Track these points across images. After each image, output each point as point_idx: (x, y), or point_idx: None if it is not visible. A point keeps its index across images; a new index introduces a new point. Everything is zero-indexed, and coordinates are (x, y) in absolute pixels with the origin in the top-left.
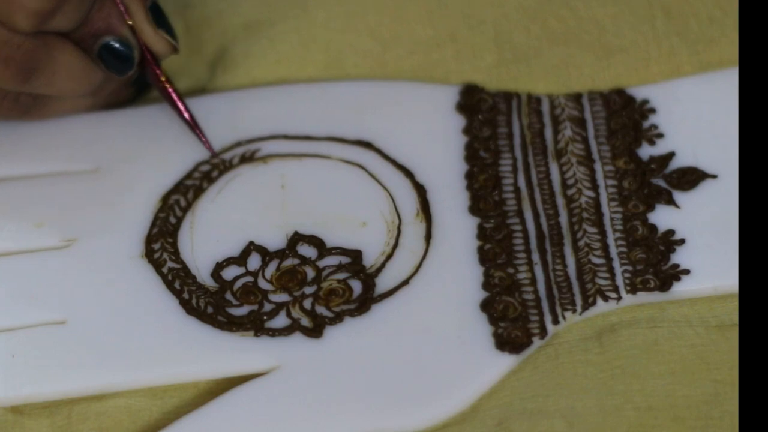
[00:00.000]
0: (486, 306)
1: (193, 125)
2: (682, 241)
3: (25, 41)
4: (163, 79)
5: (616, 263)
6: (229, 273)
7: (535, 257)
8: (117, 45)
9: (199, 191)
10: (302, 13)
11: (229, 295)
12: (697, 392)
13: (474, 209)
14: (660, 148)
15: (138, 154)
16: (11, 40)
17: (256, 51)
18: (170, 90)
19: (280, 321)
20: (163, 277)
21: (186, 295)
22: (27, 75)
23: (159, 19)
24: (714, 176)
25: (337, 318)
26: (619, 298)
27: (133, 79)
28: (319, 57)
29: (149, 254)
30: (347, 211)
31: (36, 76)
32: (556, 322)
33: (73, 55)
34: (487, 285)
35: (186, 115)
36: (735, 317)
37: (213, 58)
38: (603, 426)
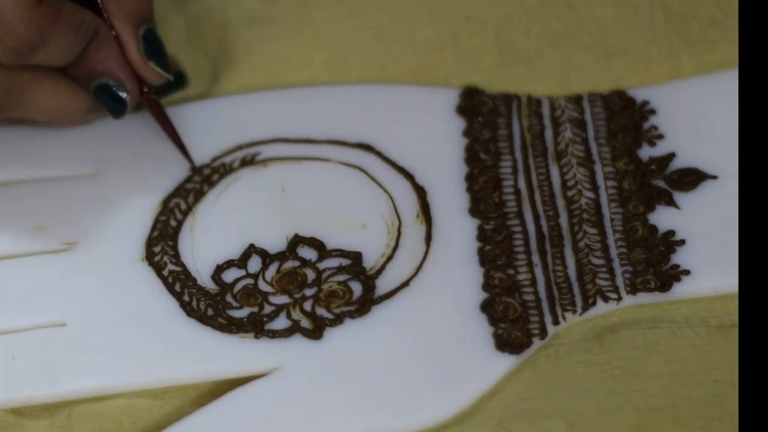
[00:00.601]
0: (486, 307)
1: (176, 139)
2: (682, 242)
3: None
4: (151, 96)
5: (616, 264)
6: (230, 275)
7: (536, 258)
8: (112, 88)
9: (199, 194)
10: (304, 13)
11: (229, 298)
12: (697, 393)
13: (474, 211)
14: (660, 149)
15: (139, 157)
16: None
17: (257, 49)
18: (157, 105)
19: (281, 323)
20: (164, 279)
21: (186, 298)
22: None
23: (152, 47)
24: (714, 177)
25: (338, 320)
26: (620, 298)
27: None
28: (320, 57)
29: (150, 257)
30: (347, 214)
31: (5, 112)
32: (556, 322)
33: (51, 89)
34: (487, 286)
35: (170, 129)
36: (735, 317)
37: (214, 54)
38: (603, 426)
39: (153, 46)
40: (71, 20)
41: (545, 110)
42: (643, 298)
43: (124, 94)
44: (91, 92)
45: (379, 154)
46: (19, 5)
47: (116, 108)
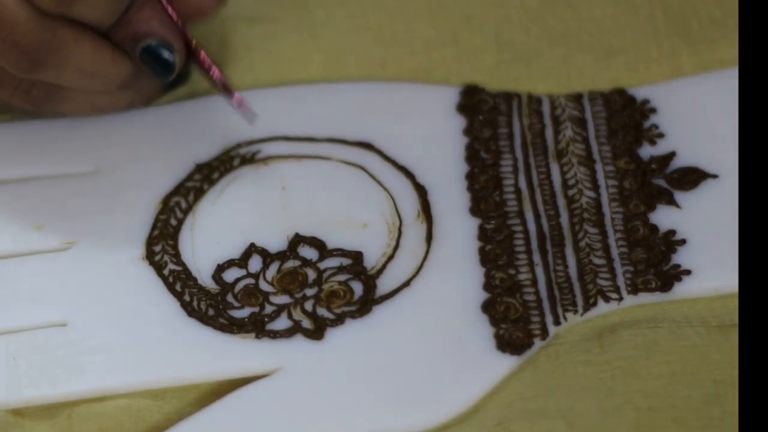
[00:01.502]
0: (487, 307)
1: (229, 93)
2: (683, 242)
3: (36, 29)
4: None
5: (617, 264)
6: (230, 275)
7: (536, 258)
8: (158, 48)
9: (199, 193)
10: (303, 12)
11: (230, 297)
12: (697, 392)
13: (475, 210)
14: (661, 148)
15: (139, 155)
16: (22, 26)
17: (257, 49)
18: (209, 64)
19: (282, 323)
20: (164, 279)
21: (187, 297)
22: (32, 64)
23: None
24: (714, 176)
25: (339, 320)
26: (621, 298)
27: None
28: (320, 57)
29: (150, 256)
30: (348, 213)
31: (43, 67)
32: (557, 322)
33: (92, 51)
34: (488, 286)
35: (223, 85)
36: (735, 317)
37: (214, 53)
38: (603, 426)
39: None
40: None
41: (545, 109)
42: (644, 297)
43: (170, 55)
44: (137, 57)
45: (380, 153)
46: None
47: (162, 71)
